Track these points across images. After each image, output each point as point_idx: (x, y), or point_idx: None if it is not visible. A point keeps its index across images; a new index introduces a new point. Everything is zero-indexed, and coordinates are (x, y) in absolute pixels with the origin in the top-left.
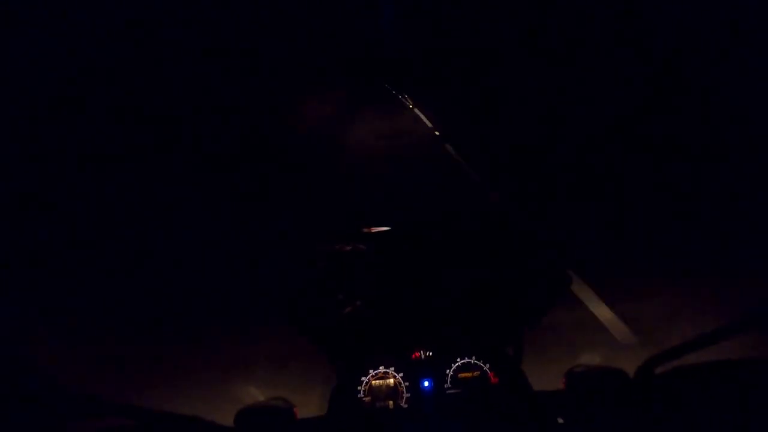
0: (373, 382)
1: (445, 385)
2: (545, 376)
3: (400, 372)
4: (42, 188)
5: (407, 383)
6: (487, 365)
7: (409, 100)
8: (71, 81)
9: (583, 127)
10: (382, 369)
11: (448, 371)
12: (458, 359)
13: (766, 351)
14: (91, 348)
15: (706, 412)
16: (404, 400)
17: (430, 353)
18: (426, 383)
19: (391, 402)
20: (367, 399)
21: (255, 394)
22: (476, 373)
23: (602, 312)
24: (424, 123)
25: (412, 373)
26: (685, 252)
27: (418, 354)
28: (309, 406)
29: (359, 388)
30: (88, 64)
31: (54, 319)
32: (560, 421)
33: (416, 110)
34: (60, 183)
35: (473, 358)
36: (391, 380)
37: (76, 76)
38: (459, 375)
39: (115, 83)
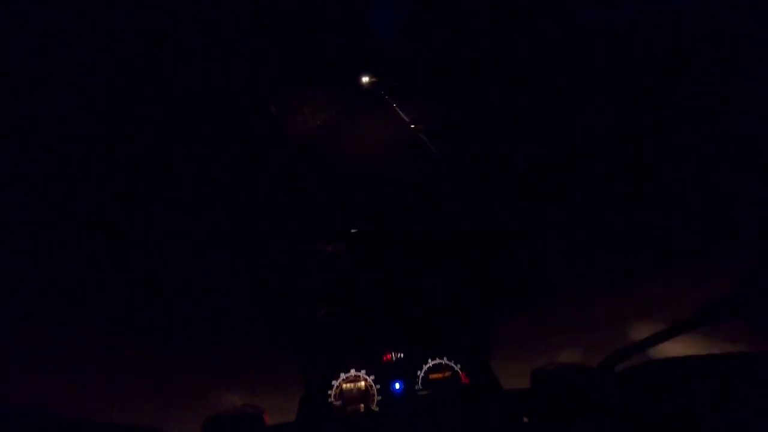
0: (344, 385)
1: (417, 387)
2: (518, 376)
3: (371, 374)
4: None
5: (378, 386)
6: (459, 366)
7: (393, 100)
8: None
9: (565, 127)
10: (353, 372)
11: (419, 373)
12: (429, 360)
13: (724, 345)
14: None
15: (668, 406)
16: (375, 402)
17: (401, 355)
18: (397, 385)
19: (362, 405)
20: (337, 403)
21: (225, 399)
22: (447, 374)
23: (578, 308)
24: (404, 120)
25: (384, 375)
26: (663, 246)
27: (389, 356)
28: (280, 410)
29: (330, 392)
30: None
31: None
32: (525, 420)
33: (398, 109)
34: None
35: (444, 358)
36: (362, 383)
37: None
38: (430, 376)
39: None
